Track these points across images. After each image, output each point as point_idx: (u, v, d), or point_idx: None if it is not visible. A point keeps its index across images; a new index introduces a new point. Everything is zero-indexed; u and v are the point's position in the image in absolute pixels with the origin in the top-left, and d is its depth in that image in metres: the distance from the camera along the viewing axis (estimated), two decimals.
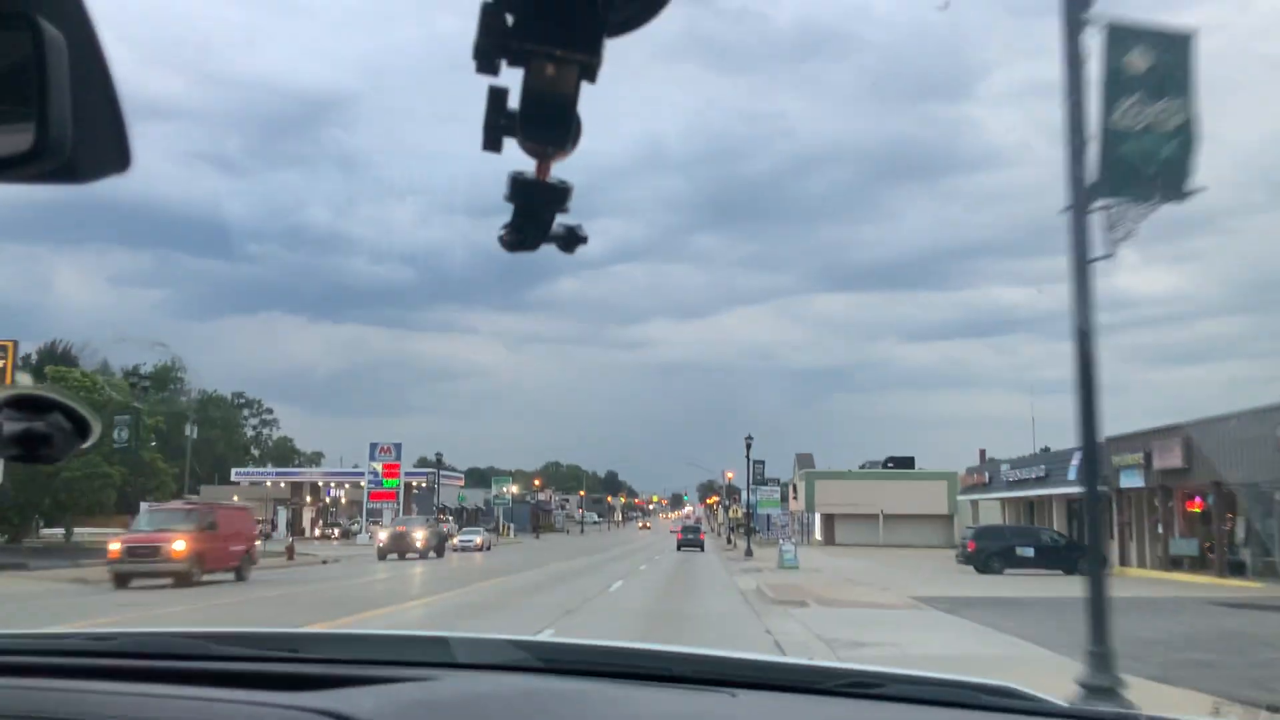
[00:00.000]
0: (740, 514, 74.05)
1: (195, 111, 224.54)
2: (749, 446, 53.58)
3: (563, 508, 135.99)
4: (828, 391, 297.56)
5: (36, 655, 1.55)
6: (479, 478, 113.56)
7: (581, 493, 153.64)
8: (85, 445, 1.14)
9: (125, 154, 0.91)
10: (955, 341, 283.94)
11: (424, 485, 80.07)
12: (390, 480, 61.82)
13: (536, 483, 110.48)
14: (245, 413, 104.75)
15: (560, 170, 1.04)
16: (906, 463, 73.78)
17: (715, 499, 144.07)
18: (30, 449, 1.10)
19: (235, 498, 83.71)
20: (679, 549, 53.89)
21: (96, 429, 1.15)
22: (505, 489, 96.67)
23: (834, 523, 69.57)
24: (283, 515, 70.55)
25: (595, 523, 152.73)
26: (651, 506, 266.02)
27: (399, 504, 62.89)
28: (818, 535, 72.48)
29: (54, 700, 1.19)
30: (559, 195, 1.05)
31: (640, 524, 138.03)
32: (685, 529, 60.11)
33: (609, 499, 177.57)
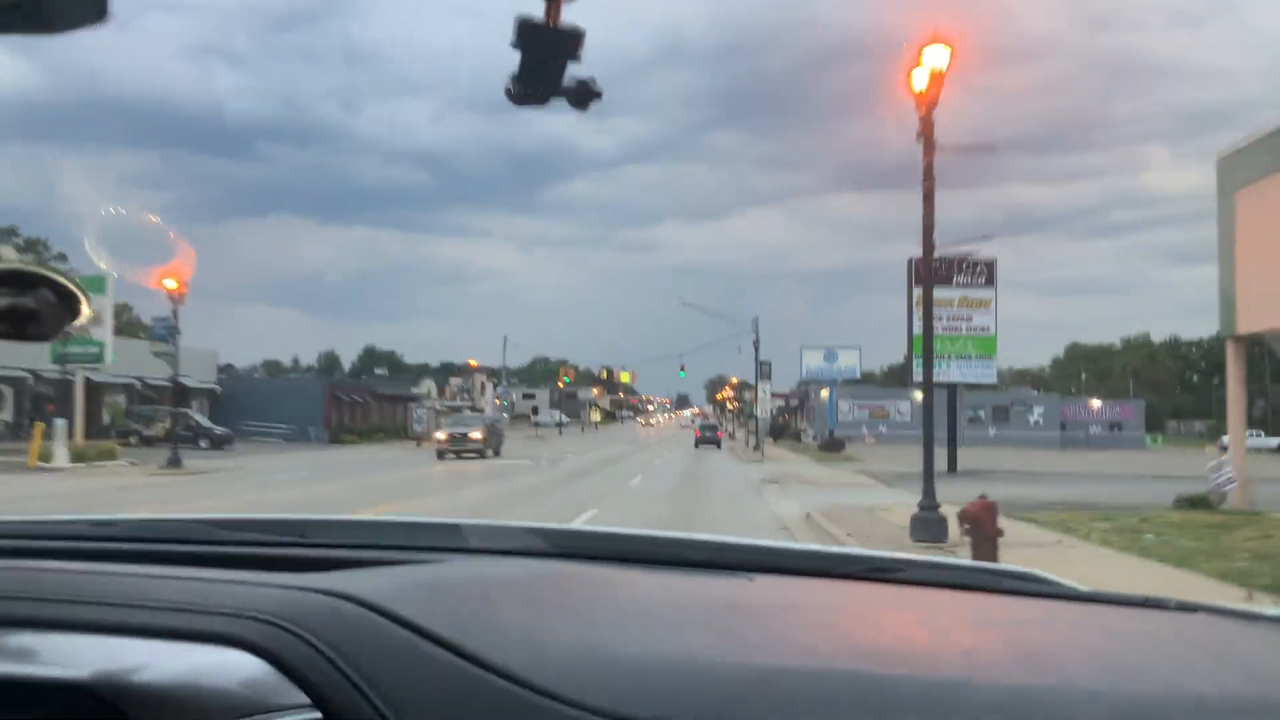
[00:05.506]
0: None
1: (201, 3, 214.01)
2: None
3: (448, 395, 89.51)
4: (843, 295, 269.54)
5: (34, 539, 1.53)
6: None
7: (502, 375, 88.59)
8: (76, 322, 1.10)
9: (101, 2, 0.79)
10: (972, 244, 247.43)
11: None
12: None
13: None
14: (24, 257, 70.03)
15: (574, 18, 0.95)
16: None
17: (731, 388, 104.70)
18: (18, 326, 1.05)
19: None
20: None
21: (87, 305, 1.10)
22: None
23: None
24: None
25: (563, 424, 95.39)
26: (652, 407, 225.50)
27: None
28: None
29: (51, 582, 1.16)
30: (570, 42, 0.95)
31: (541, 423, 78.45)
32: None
33: (560, 384, 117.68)
